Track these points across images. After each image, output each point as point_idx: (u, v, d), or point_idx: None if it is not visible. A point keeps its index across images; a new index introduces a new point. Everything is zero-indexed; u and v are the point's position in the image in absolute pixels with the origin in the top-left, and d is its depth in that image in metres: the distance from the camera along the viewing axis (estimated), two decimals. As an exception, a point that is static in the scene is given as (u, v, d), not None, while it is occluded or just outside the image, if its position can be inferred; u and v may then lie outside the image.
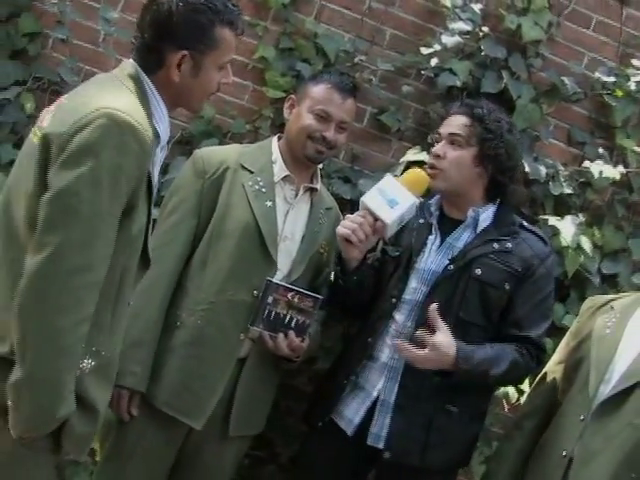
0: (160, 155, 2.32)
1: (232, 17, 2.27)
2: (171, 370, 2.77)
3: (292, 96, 3.02)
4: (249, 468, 3.44)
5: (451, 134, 2.91)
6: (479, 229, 2.92)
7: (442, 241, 2.93)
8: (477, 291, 2.83)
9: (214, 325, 2.78)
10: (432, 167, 2.93)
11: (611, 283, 3.63)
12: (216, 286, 2.80)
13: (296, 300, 2.81)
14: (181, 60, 2.21)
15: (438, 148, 2.94)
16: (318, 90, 2.93)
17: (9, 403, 2.05)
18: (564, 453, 2.58)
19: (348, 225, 2.79)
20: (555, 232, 3.47)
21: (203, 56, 2.23)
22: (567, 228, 3.52)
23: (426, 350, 2.70)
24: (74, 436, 2.16)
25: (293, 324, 2.82)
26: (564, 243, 3.47)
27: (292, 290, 2.81)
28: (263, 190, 2.86)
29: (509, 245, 2.87)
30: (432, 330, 2.72)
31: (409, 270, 2.91)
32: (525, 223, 3.01)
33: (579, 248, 3.52)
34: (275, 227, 2.86)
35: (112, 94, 2.13)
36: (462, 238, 2.92)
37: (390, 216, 2.76)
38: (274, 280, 2.80)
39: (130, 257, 2.20)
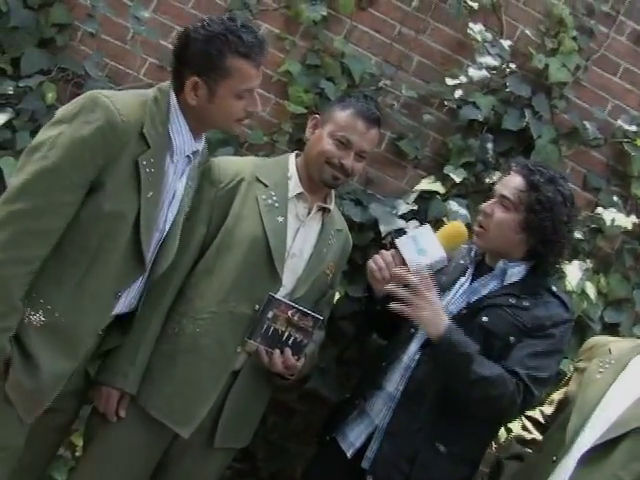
0: (180, 166, 2.57)
1: (246, 49, 2.45)
2: (165, 375, 2.78)
3: (317, 116, 3.01)
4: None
5: (502, 196, 2.90)
6: (506, 281, 2.92)
7: (470, 285, 2.96)
8: (481, 339, 2.82)
9: (212, 335, 2.79)
10: (479, 224, 2.94)
11: (612, 332, 3.64)
12: (219, 296, 2.81)
13: (296, 318, 2.82)
14: (195, 85, 2.44)
15: (487, 205, 2.93)
16: (343, 116, 2.92)
17: None
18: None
19: (377, 261, 2.85)
20: (561, 275, 3.49)
21: (216, 84, 2.45)
22: (573, 273, 3.56)
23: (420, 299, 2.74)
24: (17, 388, 2.34)
25: (290, 342, 2.83)
26: (569, 287, 3.50)
27: (293, 308, 2.82)
28: (276, 205, 2.88)
29: (526, 303, 2.86)
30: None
31: None
32: (555, 288, 2.98)
33: (583, 294, 3.56)
34: (284, 243, 2.87)
35: (119, 94, 2.47)
36: (488, 286, 2.93)
37: (415, 264, 2.81)
38: (277, 296, 2.81)
39: (107, 237, 2.41)
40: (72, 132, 2.33)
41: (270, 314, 2.79)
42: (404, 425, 2.83)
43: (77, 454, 3.31)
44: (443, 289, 2.93)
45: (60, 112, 2.41)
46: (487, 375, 2.72)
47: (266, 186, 2.89)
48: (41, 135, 2.37)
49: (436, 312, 2.75)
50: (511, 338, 2.82)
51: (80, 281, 2.40)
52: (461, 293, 2.94)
